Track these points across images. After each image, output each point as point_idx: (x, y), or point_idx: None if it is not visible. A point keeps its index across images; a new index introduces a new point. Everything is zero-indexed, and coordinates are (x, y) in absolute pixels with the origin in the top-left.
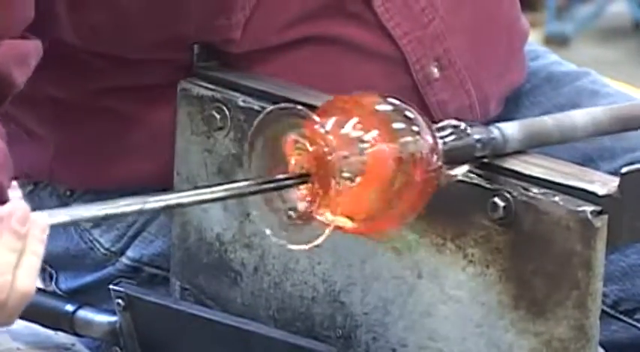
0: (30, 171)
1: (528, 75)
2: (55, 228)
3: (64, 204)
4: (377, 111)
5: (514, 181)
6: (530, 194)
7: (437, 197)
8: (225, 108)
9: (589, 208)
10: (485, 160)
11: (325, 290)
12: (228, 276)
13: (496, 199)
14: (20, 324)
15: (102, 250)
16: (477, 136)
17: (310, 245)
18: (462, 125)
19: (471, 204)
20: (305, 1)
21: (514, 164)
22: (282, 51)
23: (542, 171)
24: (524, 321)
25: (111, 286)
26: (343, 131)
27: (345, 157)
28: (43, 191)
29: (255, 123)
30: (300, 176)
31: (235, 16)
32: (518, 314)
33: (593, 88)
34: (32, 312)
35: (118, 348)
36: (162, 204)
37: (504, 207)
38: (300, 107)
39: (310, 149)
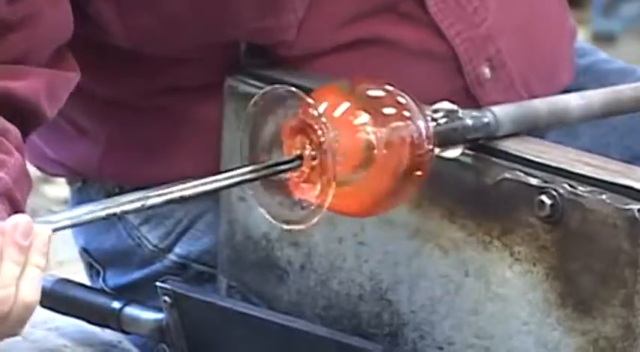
0: (79, 168)
1: (576, 73)
2: (102, 226)
3: None
4: (369, 96)
5: (561, 179)
6: (577, 192)
7: (483, 195)
8: None
9: (636, 206)
10: (480, 142)
11: (372, 288)
12: (274, 274)
13: (543, 197)
14: (67, 321)
15: (150, 247)
16: (469, 120)
17: (304, 226)
18: (455, 108)
19: (517, 202)
20: (358, 1)
21: (506, 146)
22: (333, 54)
23: (590, 169)
24: (571, 319)
25: (157, 283)
26: (335, 114)
27: (337, 140)
28: (91, 187)
29: (251, 103)
30: (294, 160)
31: (286, 17)
32: (565, 312)
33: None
34: (79, 309)
35: (164, 345)
36: (163, 198)
37: (551, 205)
38: (293, 89)
39: (304, 131)
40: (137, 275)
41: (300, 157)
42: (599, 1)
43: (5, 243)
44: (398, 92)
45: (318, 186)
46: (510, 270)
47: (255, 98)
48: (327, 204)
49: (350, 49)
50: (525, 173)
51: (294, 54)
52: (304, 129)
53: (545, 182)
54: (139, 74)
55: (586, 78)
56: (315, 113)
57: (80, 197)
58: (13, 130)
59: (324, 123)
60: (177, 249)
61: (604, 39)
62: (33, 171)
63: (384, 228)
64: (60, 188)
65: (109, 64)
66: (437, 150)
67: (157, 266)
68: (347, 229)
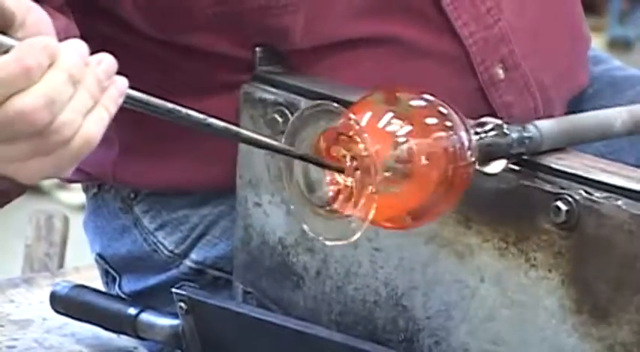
0: (94, 173)
1: (591, 80)
2: (117, 232)
3: (127, 206)
4: (411, 106)
5: (577, 185)
6: (593, 198)
7: (499, 201)
8: (287, 111)
9: None
10: (524, 157)
11: (387, 293)
12: (290, 280)
13: (559, 203)
14: (83, 328)
15: (166, 252)
16: (513, 134)
17: (346, 241)
18: (499, 122)
19: (533, 208)
20: None
21: (550, 161)
22: (344, 50)
23: (605, 176)
24: (586, 325)
25: (173, 289)
26: (378, 126)
27: (380, 153)
28: (107, 193)
29: (291, 122)
30: (338, 167)
31: None
32: (581, 318)
33: None
34: (95, 316)
35: None
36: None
37: (567, 211)
38: (334, 104)
39: (346, 145)
40: (153, 281)
41: (341, 168)
42: (616, 8)
43: (87, 73)
44: (439, 102)
45: (362, 200)
46: (526, 276)
47: (297, 114)
48: (370, 217)
49: (361, 47)
50: (541, 179)
51: (304, 47)
52: (346, 142)
53: (561, 188)
54: (154, 77)
55: (600, 85)
56: (357, 127)
57: (96, 203)
58: None
59: (366, 137)
60: (193, 255)
61: (620, 45)
62: None
63: (399, 233)
64: (75, 194)
65: (124, 67)
66: (478, 165)
67: (173, 272)
68: (362, 235)
